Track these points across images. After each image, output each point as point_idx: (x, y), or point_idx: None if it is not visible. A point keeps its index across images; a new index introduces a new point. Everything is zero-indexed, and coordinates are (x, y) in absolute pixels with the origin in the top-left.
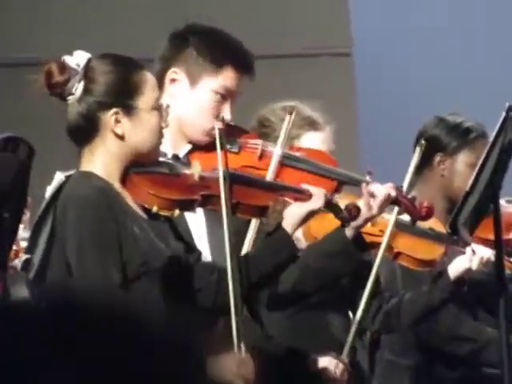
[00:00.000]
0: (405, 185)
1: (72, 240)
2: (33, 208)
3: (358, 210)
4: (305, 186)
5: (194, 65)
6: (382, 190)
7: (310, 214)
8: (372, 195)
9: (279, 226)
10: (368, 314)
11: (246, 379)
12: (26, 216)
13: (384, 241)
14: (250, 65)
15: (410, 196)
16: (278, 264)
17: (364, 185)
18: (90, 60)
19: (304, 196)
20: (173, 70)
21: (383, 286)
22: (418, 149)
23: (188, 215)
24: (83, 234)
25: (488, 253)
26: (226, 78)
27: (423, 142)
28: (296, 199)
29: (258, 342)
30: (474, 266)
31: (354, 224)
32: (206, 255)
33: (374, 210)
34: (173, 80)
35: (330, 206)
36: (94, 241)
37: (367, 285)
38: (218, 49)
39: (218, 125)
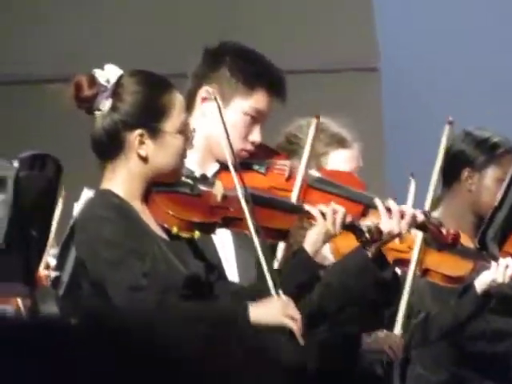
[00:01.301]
0: (436, 169)
1: (90, 260)
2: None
3: (380, 233)
4: (326, 207)
5: (227, 85)
6: (409, 209)
7: (331, 236)
8: (400, 214)
9: (301, 248)
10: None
11: (294, 319)
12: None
13: (414, 256)
14: (282, 88)
15: (436, 222)
16: (299, 285)
17: (378, 201)
18: (121, 77)
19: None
20: (205, 88)
21: (412, 302)
22: (445, 131)
23: (215, 237)
24: (105, 248)
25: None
26: (258, 100)
27: (451, 119)
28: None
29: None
30: (500, 278)
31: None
32: (234, 277)
33: (398, 228)
34: (205, 98)
35: (350, 227)
36: (118, 253)
37: (402, 301)
38: (252, 70)
39: (248, 146)
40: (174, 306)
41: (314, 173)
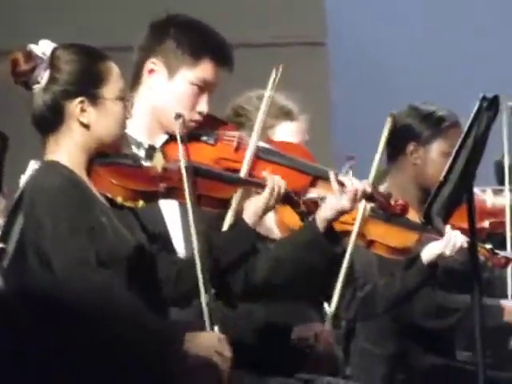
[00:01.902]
0: (376, 160)
1: (46, 230)
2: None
3: (316, 205)
4: (267, 179)
5: (173, 56)
6: (357, 183)
7: (269, 207)
8: (354, 192)
9: (240, 218)
10: (342, 302)
11: (225, 357)
12: (2, 205)
13: (355, 228)
14: (229, 57)
15: (384, 192)
16: (240, 255)
17: (332, 175)
18: (55, 49)
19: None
20: (151, 60)
21: (358, 274)
22: (388, 120)
23: (163, 208)
24: (57, 222)
25: (462, 238)
26: (204, 70)
27: (392, 113)
28: (259, 193)
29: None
30: (448, 251)
31: (325, 216)
32: (180, 245)
33: (347, 204)
34: (151, 70)
35: (287, 200)
36: (69, 228)
37: (340, 273)
38: (197, 41)
39: (180, 120)
40: (117, 296)
41: (263, 144)
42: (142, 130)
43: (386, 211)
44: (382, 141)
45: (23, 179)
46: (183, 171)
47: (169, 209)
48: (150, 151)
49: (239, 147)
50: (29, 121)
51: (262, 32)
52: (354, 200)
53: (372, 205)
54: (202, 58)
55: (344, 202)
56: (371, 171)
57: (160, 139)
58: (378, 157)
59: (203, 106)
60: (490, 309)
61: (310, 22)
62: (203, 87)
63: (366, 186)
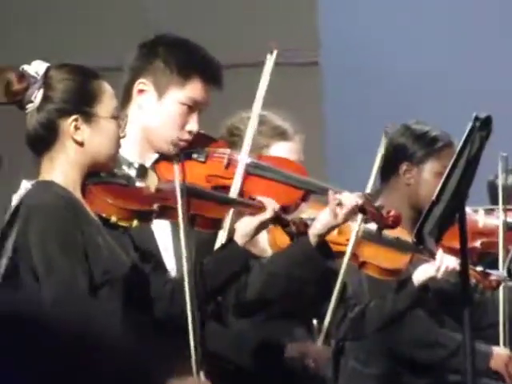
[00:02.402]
0: (371, 181)
1: (38, 248)
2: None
3: (306, 225)
4: (258, 199)
5: (162, 76)
6: (349, 198)
7: (260, 227)
8: (339, 203)
9: (231, 239)
10: (334, 321)
11: None
12: None
13: (348, 249)
14: (218, 76)
15: (377, 204)
16: (230, 276)
17: (331, 192)
18: (48, 68)
19: (259, 210)
20: (140, 80)
21: (349, 295)
22: (383, 139)
23: (155, 227)
24: (50, 241)
25: (453, 261)
26: (193, 89)
27: (387, 131)
28: (251, 213)
29: (226, 349)
30: (439, 274)
31: (318, 230)
32: (172, 266)
33: (340, 218)
34: (141, 91)
35: (277, 220)
36: (61, 248)
37: (334, 292)
38: (185, 60)
39: (176, 140)
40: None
41: (253, 159)
42: (133, 150)
43: (378, 223)
44: (378, 158)
45: (15, 198)
46: (178, 192)
47: (160, 228)
48: (142, 171)
49: (230, 164)
50: (21, 140)
51: (255, 52)
52: (348, 214)
53: (365, 226)
54: (190, 78)
55: (338, 218)
56: (367, 186)
57: (150, 159)
58: (374, 172)
59: (193, 125)
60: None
61: (303, 41)
62: (193, 106)
63: (357, 198)
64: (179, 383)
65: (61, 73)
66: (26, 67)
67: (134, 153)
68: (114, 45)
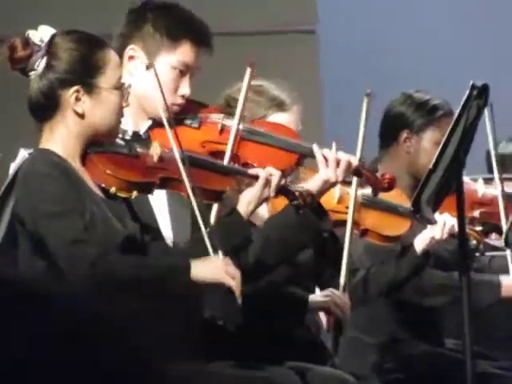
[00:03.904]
0: (359, 139)
1: (38, 211)
2: None
3: (313, 197)
4: (261, 170)
5: (152, 41)
6: (340, 154)
7: (264, 199)
8: (336, 161)
9: (234, 209)
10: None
11: (234, 278)
12: None
13: (349, 214)
14: (208, 39)
15: (371, 168)
16: (232, 247)
17: (316, 147)
18: (53, 36)
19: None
20: (130, 47)
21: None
22: (364, 99)
23: (150, 196)
24: (49, 203)
25: (451, 220)
26: (184, 53)
27: (368, 91)
28: (251, 183)
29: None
30: (438, 234)
31: (312, 189)
32: (168, 234)
33: (331, 173)
34: (131, 57)
35: (283, 191)
36: (61, 208)
37: (343, 261)
38: (175, 24)
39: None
40: (115, 260)
41: (247, 125)
42: (126, 117)
43: (373, 186)
44: (362, 121)
45: (13, 167)
46: (179, 161)
47: (156, 198)
48: (145, 139)
49: (224, 129)
50: (19, 110)
51: (251, 20)
52: (336, 168)
53: (364, 193)
54: (180, 42)
55: (328, 172)
56: (357, 150)
57: (144, 125)
58: (360, 136)
59: (185, 88)
60: (486, 284)
61: (300, 10)
62: (184, 70)
63: (350, 157)
64: (200, 262)
65: (65, 41)
66: (31, 33)
67: (128, 120)
68: (101, 12)
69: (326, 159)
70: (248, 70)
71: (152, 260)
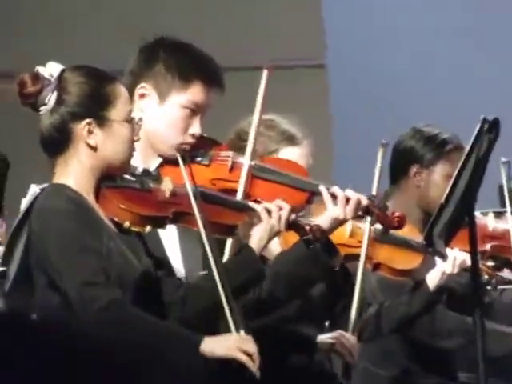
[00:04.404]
0: (374, 187)
1: (54, 249)
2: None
3: (323, 232)
4: (271, 204)
5: (163, 81)
6: (354, 193)
7: (275, 233)
8: (346, 199)
9: (246, 244)
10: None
11: (249, 354)
12: (2, 228)
13: (363, 250)
14: (219, 79)
15: (381, 205)
16: (244, 283)
17: (322, 187)
18: (63, 71)
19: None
20: (142, 85)
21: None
22: (380, 150)
23: (160, 230)
24: (65, 241)
25: (461, 255)
26: (195, 93)
27: (384, 142)
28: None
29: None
30: (450, 269)
31: (325, 226)
32: (180, 269)
33: (340, 211)
34: (142, 95)
35: (293, 226)
36: (77, 247)
37: (355, 295)
38: (186, 64)
39: (182, 145)
40: (130, 312)
41: (257, 162)
42: (136, 154)
43: (383, 224)
44: (377, 170)
45: (24, 203)
46: (191, 196)
47: (166, 233)
48: (156, 175)
49: (234, 167)
50: (30, 145)
51: (261, 55)
52: (345, 205)
53: (377, 227)
54: (191, 81)
55: (336, 210)
56: (373, 183)
57: (154, 162)
58: (375, 185)
59: (195, 128)
60: (498, 335)
61: (309, 44)
62: (195, 110)
63: (359, 196)
64: (214, 339)
65: (75, 76)
66: (40, 69)
67: (138, 157)
68: (112, 48)
69: (334, 197)
70: (265, 73)
71: (166, 325)
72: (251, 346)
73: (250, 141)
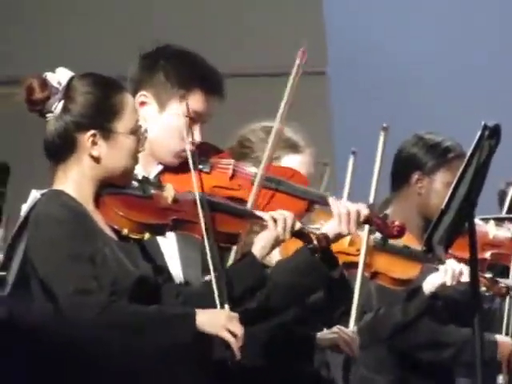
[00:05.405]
0: (374, 176)
1: (46, 256)
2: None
3: (328, 240)
4: (275, 213)
5: (163, 89)
6: (353, 206)
7: (279, 242)
8: (348, 211)
9: (249, 252)
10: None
11: (235, 335)
12: (0, 234)
13: (361, 258)
14: (219, 87)
15: (381, 214)
16: (246, 289)
17: (332, 200)
18: (71, 79)
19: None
20: (142, 93)
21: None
22: (380, 138)
23: (160, 238)
24: (58, 248)
25: (461, 267)
26: (194, 101)
27: (385, 126)
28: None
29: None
30: (448, 280)
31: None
32: (179, 276)
33: (343, 226)
34: (142, 103)
35: (299, 234)
36: (69, 255)
37: (354, 301)
38: (186, 73)
39: (190, 146)
40: (122, 309)
41: (255, 169)
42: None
43: (383, 233)
44: (378, 155)
45: (24, 208)
46: (198, 203)
47: (165, 240)
48: (155, 181)
49: (234, 175)
50: (31, 151)
51: (261, 62)
52: (348, 222)
53: (375, 236)
54: (191, 90)
55: (339, 226)
56: (370, 193)
57: (154, 170)
58: (376, 169)
59: (196, 136)
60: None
61: (310, 51)
62: (195, 118)
63: (360, 207)
64: (204, 313)
65: (83, 84)
66: (49, 75)
67: (138, 164)
68: (111, 54)
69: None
70: (298, 59)
71: (158, 309)
72: (238, 327)
73: (268, 150)
